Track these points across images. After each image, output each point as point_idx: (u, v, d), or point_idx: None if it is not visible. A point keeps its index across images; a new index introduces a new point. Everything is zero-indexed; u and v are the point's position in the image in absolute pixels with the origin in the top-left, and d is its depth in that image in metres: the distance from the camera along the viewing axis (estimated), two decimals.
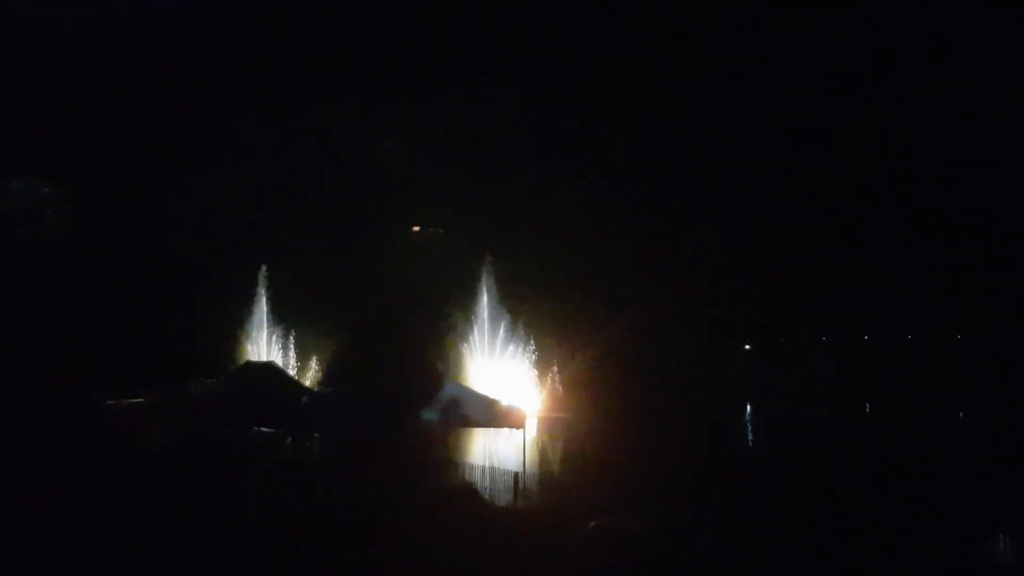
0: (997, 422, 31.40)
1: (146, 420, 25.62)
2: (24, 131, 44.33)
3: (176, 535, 14.43)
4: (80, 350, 33.45)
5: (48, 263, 41.88)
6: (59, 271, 40.79)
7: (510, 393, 33.42)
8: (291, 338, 40.71)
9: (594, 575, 4.21)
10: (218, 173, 44.76)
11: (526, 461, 21.99)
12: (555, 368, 36.22)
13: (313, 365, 40.76)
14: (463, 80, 48.34)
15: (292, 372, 38.27)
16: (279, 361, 38.78)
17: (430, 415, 25.26)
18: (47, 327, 36.24)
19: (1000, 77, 47.76)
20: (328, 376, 39.23)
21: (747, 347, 56.17)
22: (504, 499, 18.49)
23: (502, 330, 37.46)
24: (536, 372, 36.27)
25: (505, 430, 27.05)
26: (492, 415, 25.63)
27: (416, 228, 49.67)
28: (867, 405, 40.84)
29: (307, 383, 37.17)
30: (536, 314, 37.83)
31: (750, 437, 33.25)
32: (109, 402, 27.33)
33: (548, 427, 30.86)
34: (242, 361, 37.13)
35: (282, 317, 40.93)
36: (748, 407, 40.81)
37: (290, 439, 25.51)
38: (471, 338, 37.79)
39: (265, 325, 41.01)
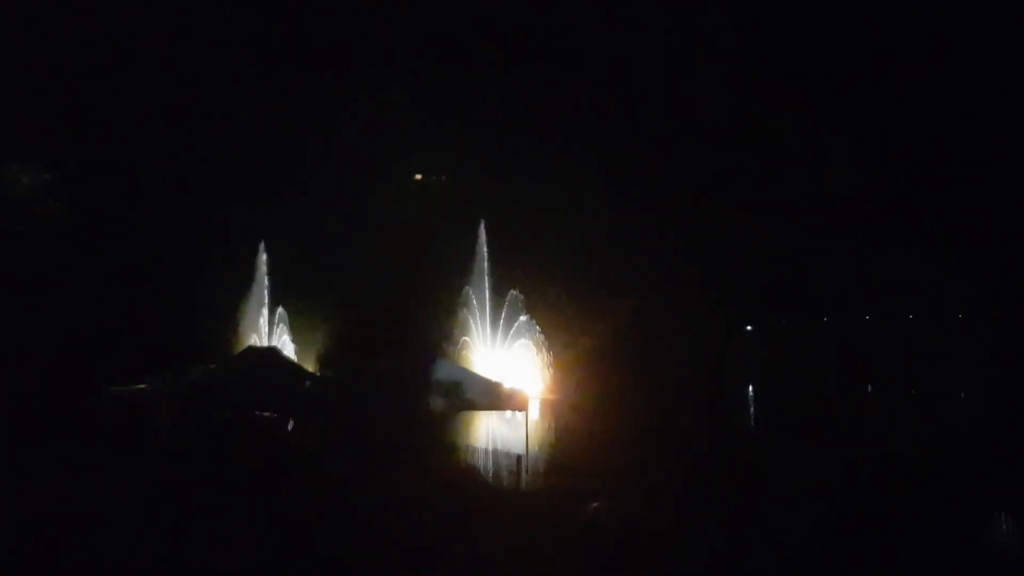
0: (999, 402, 31.50)
1: (149, 406, 25.73)
2: (23, 117, 44.17)
3: (181, 520, 14.51)
4: (82, 337, 33.55)
5: (49, 251, 41.87)
6: (60, 259, 40.81)
7: (513, 375, 33.48)
8: (289, 323, 40.59)
9: (592, 556, 4.25)
10: (216, 157, 44.52)
11: (528, 443, 22.08)
12: (557, 350, 36.23)
13: (315, 349, 40.70)
14: (460, 66, 47.92)
15: (293, 356, 38.21)
16: (279, 345, 38.74)
17: (433, 400, 25.22)
18: (49, 315, 36.32)
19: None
20: (330, 360, 39.19)
21: (748, 328, 56.14)
22: (508, 481, 18.62)
23: (504, 310, 37.54)
24: (539, 354, 36.28)
25: (508, 412, 27.12)
26: (495, 398, 25.56)
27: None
28: (869, 386, 40.89)
29: (309, 368, 37.13)
30: (539, 297, 37.80)
31: (751, 417, 33.33)
32: (112, 388, 27.39)
33: (551, 409, 30.89)
34: (244, 346, 37.09)
35: (282, 298, 40.79)
36: (750, 388, 40.88)
37: (292, 424, 25.60)
38: (475, 315, 37.86)
39: (266, 309, 40.91)
